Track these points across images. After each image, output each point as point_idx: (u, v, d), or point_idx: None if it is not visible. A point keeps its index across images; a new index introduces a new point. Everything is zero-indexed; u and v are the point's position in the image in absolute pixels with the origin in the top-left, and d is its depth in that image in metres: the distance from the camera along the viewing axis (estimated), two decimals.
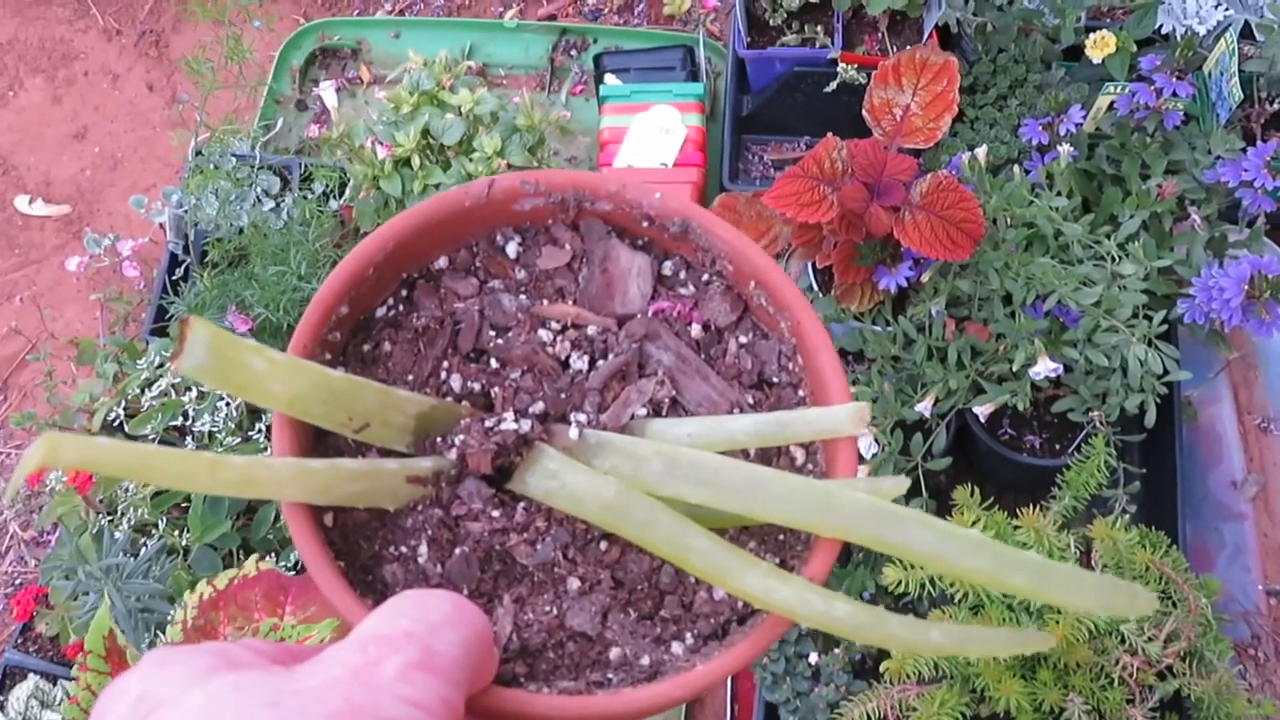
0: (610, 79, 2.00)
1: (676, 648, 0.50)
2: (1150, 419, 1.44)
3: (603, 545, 0.51)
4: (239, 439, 1.62)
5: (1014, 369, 1.43)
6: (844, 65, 1.73)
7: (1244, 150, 1.43)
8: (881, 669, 1.32)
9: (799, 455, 0.55)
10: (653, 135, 1.86)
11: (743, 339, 0.57)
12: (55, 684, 1.61)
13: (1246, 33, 1.57)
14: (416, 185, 1.78)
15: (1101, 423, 1.44)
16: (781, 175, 1.46)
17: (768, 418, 0.53)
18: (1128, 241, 1.44)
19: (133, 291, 2.08)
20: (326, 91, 2.14)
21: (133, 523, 1.56)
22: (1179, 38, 1.52)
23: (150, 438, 1.61)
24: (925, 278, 1.51)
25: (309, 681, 0.37)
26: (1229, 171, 1.41)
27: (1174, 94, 1.45)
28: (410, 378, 0.55)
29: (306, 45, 2.26)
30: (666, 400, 0.54)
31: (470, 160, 1.78)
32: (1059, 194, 1.48)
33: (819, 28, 1.86)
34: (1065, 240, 1.46)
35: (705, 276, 0.59)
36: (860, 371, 1.58)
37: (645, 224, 0.58)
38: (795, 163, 1.48)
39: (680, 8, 2.13)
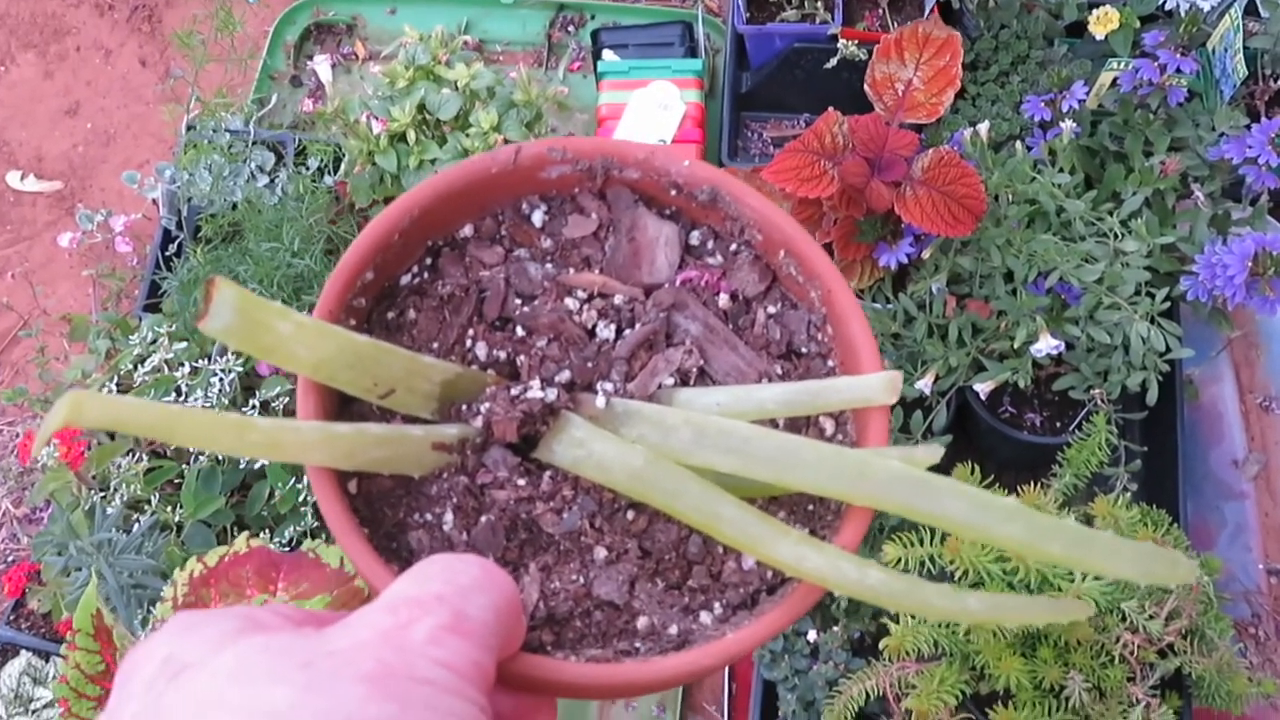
0: (608, 55, 1.98)
1: (705, 617, 0.50)
2: (1152, 397, 1.43)
3: (629, 515, 0.50)
4: None
5: (1015, 346, 1.43)
6: (844, 41, 1.71)
7: (1248, 127, 1.43)
8: (881, 646, 1.31)
9: (828, 426, 0.54)
10: (651, 111, 1.85)
11: (771, 309, 0.57)
12: (48, 660, 1.60)
13: (1251, 9, 1.56)
14: (412, 160, 1.77)
15: (1103, 400, 1.44)
16: (782, 150, 1.45)
17: (798, 386, 0.52)
18: (1130, 218, 1.44)
19: (125, 268, 2.07)
20: (321, 67, 2.12)
21: (125, 499, 1.55)
22: (1183, 13, 1.51)
23: None
24: (926, 254, 1.51)
25: (340, 643, 0.37)
26: (1233, 148, 1.40)
27: (1178, 70, 1.44)
28: (435, 345, 0.55)
29: (301, 20, 2.24)
30: (694, 370, 0.54)
31: (466, 136, 1.77)
32: (1061, 170, 1.47)
33: (819, 3, 1.85)
34: (1067, 217, 1.45)
35: (734, 246, 0.58)
36: None
37: (673, 192, 0.58)
38: (795, 140, 1.47)
39: None
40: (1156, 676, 1.26)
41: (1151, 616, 1.25)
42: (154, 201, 1.92)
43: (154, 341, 1.67)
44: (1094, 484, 1.44)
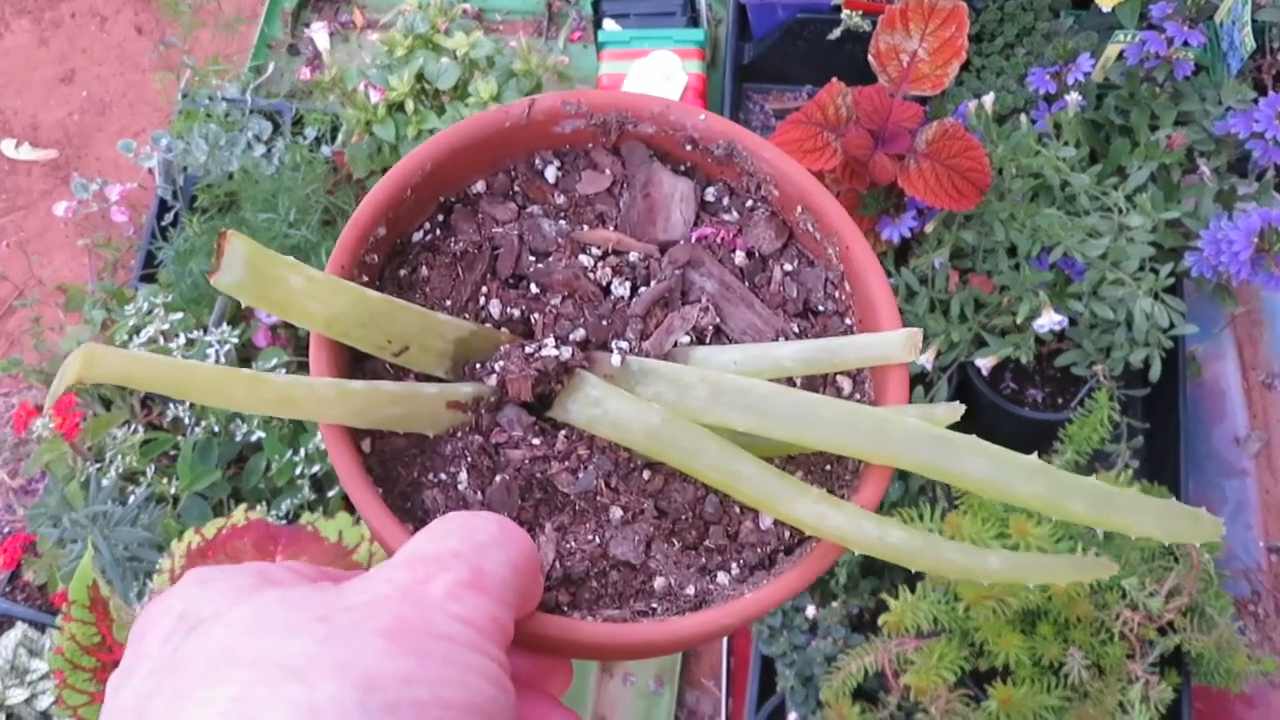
0: (609, 24, 1.97)
1: (722, 578, 0.50)
2: (1154, 373, 1.43)
3: (645, 474, 0.50)
4: None
5: (1017, 322, 1.42)
6: (848, 12, 1.70)
7: (1255, 101, 1.42)
8: (880, 622, 1.31)
9: (846, 385, 0.54)
10: (652, 81, 1.84)
11: (788, 266, 0.56)
12: (44, 632, 1.60)
13: None
14: (410, 130, 1.76)
15: (1105, 377, 1.44)
16: (784, 121, 1.43)
17: (816, 344, 0.51)
18: (1135, 193, 1.43)
19: (121, 238, 2.05)
20: (319, 35, 2.10)
21: (121, 470, 1.54)
22: None
23: None
24: (929, 228, 1.50)
25: (357, 598, 0.37)
26: (1239, 123, 1.39)
27: (1185, 43, 1.43)
28: (448, 303, 0.54)
29: None
30: (710, 328, 0.53)
31: (465, 105, 1.76)
32: (1066, 144, 1.46)
33: None
34: (1072, 191, 1.44)
35: (749, 202, 0.58)
36: None
37: (689, 147, 0.57)
38: (798, 111, 1.45)
39: None
40: (1156, 654, 1.26)
41: (1152, 594, 1.25)
42: (150, 171, 1.90)
43: (149, 312, 1.66)
44: (1095, 461, 1.43)
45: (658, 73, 1.84)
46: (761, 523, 0.50)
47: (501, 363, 0.50)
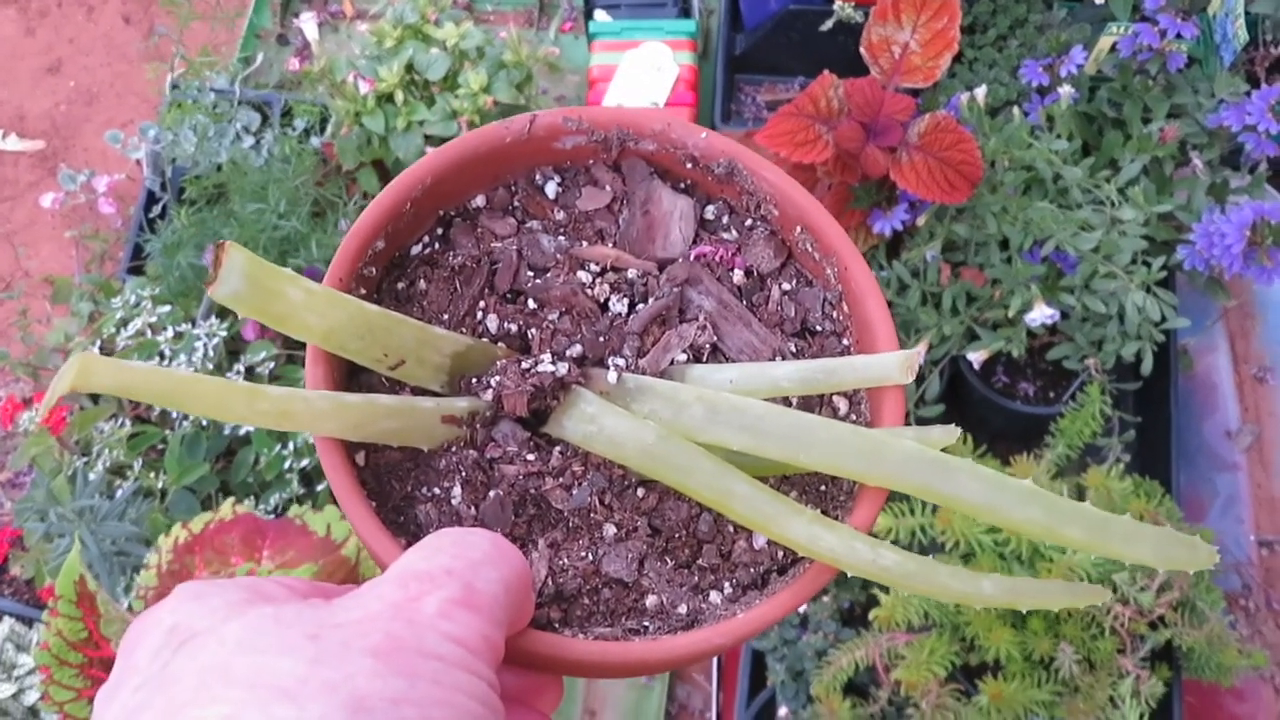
0: (600, 15, 1.96)
1: (715, 597, 0.50)
2: (1146, 367, 1.43)
3: (639, 492, 0.50)
4: None
5: (1009, 315, 1.42)
6: (840, 3, 1.69)
7: (1248, 94, 1.42)
8: (870, 617, 1.31)
9: (842, 405, 0.54)
10: (643, 73, 1.83)
11: (786, 285, 0.56)
12: (31, 627, 1.59)
13: None
14: (400, 121, 1.75)
15: (1097, 370, 1.44)
16: (775, 114, 1.43)
17: (813, 364, 0.51)
18: (1128, 186, 1.43)
19: (109, 229, 2.04)
20: (308, 25, 2.08)
21: (108, 464, 1.53)
22: None
23: None
24: (921, 221, 1.49)
25: (348, 616, 0.37)
26: (1232, 116, 1.39)
27: (1178, 35, 1.43)
28: (446, 317, 0.54)
29: None
30: (707, 346, 0.53)
31: (455, 96, 1.75)
32: (1059, 137, 1.46)
33: None
34: (1064, 184, 1.44)
35: (749, 221, 0.58)
36: None
37: (689, 165, 0.57)
38: (789, 104, 1.45)
39: None
40: (1147, 648, 1.27)
41: (1143, 588, 1.25)
42: (138, 162, 1.89)
43: (137, 305, 1.65)
44: (1087, 455, 1.44)
45: (649, 64, 1.83)
46: (755, 542, 0.50)
47: (497, 378, 0.50)
